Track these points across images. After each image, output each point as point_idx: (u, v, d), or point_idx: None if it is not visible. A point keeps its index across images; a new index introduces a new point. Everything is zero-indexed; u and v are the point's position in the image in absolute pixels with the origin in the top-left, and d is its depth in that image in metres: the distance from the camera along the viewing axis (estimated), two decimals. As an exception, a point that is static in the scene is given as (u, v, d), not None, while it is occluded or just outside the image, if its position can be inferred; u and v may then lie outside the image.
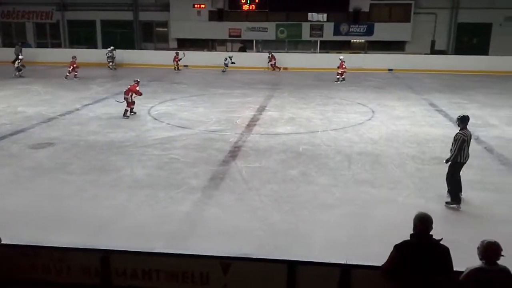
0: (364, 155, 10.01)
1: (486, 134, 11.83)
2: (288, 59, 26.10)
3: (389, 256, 3.73)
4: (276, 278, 4.19)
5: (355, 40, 28.84)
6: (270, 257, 4.55)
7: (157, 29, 30.80)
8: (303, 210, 7.22)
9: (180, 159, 9.71)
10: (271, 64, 25.19)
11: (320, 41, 28.57)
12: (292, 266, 4.11)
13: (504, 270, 3.59)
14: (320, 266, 4.08)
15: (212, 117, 13.68)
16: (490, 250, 3.59)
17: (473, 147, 10.62)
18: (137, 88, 13.74)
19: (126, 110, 13.50)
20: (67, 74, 20.78)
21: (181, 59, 24.70)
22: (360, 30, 27.80)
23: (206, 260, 4.29)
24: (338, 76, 20.99)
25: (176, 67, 24.79)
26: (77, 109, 14.72)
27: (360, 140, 11.27)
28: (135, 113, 13.77)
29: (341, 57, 21.36)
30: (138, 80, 14.14)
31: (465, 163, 7.47)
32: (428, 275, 3.57)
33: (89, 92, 17.89)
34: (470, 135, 7.51)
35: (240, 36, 28.91)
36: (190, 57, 25.01)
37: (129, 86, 13.66)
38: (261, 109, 15.02)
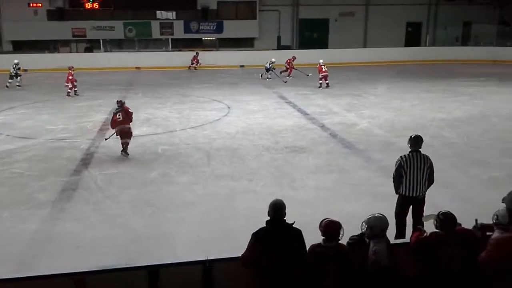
0: (223, 150, 10.18)
1: (330, 121, 12.89)
2: (140, 58, 25.41)
3: (248, 245, 3.82)
4: (138, 286, 4.02)
5: (206, 38, 29.19)
6: (132, 264, 4.35)
7: (-12, 31, 27.48)
8: (166, 212, 7.08)
9: (24, 172, 8.79)
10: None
11: (172, 39, 28.29)
12: (152, 271, 3.98)
13: (338, 246, 3.88)
14: (181, 266, 4.01)
15: (59, 124, 12.67)
16: (328, 229, 3.89)
17: (319, 133, 11.66)
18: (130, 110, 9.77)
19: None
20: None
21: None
22: (210, 27, 28.18)
23: (55, 279, 3.90)
24: (320, 81, 18.65)
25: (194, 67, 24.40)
26: None
27: (218, 136, 11.44)
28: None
29: (321, 61, 18.82)
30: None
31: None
32: (284, 258, 3.73)
33: None
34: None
35: (85, 36, 27.17)
36: (29, 60, 22.77)
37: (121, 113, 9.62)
38: (114, 112, 14.34)
